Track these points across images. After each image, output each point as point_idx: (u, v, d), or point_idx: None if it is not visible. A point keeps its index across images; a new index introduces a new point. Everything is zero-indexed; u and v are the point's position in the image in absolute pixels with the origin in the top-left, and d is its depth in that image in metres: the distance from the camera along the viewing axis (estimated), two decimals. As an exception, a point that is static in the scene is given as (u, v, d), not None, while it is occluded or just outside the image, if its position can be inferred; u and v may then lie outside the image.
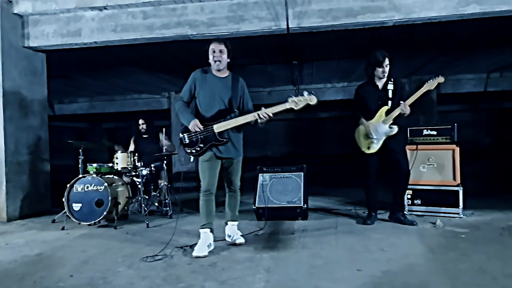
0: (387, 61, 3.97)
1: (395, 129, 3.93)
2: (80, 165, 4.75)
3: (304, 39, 7.04)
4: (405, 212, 4.39)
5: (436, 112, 11.90)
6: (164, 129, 5.68)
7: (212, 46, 3.34)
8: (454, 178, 4.28)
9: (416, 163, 4.42)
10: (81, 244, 3.69)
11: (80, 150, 4.76)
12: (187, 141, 3.36)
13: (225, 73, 3.42)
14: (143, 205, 4.70)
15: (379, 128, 3.93)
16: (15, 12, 5.13)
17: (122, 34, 5.11)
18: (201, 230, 3.26)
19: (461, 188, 4.27)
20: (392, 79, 4.05)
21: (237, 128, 3.38)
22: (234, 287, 2.46)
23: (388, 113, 3.96)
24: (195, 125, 3.27)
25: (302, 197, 4.22)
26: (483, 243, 3.23)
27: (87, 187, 4.41)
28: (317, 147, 20.30)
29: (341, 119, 19.74)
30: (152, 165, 5.06)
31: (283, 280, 2.53)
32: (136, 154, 4.87)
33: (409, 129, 4.53)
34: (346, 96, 12.47)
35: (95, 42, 5.22)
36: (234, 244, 3.40)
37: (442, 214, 4.28)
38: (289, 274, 2.63)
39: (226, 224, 3.55)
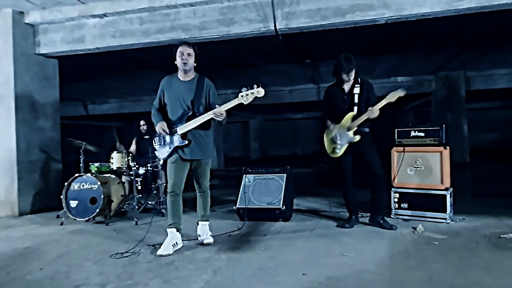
0: (352, 66, 3.87)
1: (357, 138, 3.87)
2: (81, 164, 5.06)
3: (311, 38, 7.00)
4: (391, 216, 4.30)
5: (465, 109, 11.29)
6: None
7: (181, 49, 3.43)
8: (442, 182, 4.11)
9: (403, 166, 4.29)
10: (67, 239, 3.95)
11: (81, 150, 5.07)
12: (157, 144, 3.50)
13: (191, 76, 3.50)
14: (134, 204, 4.91)
15: (343, 134, 3.90)
16: (26, 22, 5.54)
17: (121, 39, 5.37)
18: (167, 230, 3.39)
19: (449, 192, 4.09)
20: (359, 82, 3.95)
21: (203, 129, 3.44)
22: (175, 286, 2.56)
23: (354, 119, 3.88)
24: (160, 127, 3.41)
25: (282, 199, 4.23)
26: (451, 252, 3.10)
27: (83, 185, 4.70)
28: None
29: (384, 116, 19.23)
30: (149, 165, 5.26)
31: (224, 282, 2.59)
32: (130, 155, 5.09)
33: (397, 130, 4.39)
34: (368, 93, 12.16)
35: (97, 48, 5.52)
36: (202, 243, 3.50)
37: (428, 219, 4.12)
38: (232, 276, 2.69)
39: (198, 224, 3.66)
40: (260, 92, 3.22)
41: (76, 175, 4.74)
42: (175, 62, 3.47)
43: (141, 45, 5.39)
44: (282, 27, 4.87)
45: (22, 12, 5.52)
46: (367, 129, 3.97)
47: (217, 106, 3.36)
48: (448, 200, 4.04)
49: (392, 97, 3.79)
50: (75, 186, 4.72)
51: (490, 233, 3.59)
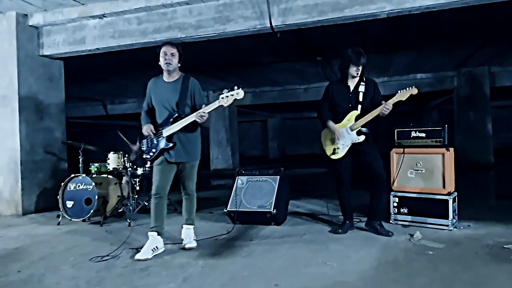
0: (362, 60, 3.64)
1: (362, 138, 3.65)
2: (80, 165, 5.09)
3: (318, 34, 6.79)
4: (390, 221, 4.06)
5: (489, 107, 10.69)
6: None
7: (164, 49, 3.35)
8: (444, 186, 3.83)
9: (403, 168, 4.03)
10: (57, 240, 3.95)
11: (80, 151, 5.09)
12: (144, 146, 3.43)
13: (175, 77, 3.42)
14: (129, 204, 4.89)
15: (346, 134, 3.67)
16: (30, 24, 5.63)
17: (120, 40, 5.36)
18: (148, 233, 3.32)
19: (452, 197, 3.81)
20: (364, 80, 3.74)
21: (189, 131, 3.36)
22: (140, 294, 2.48)
23: (357, 118, 3.66)
24: (146, 129, 3.37)
25: (273, 202, 4.08)
26: (443, 263, 2.86)
27: (78, 186, 4.72)
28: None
29: (393, 115, 18.63)
30: (147, 166, 5.23)
31: (190, 291, 2.49)
32: (126, 155, 5.07)
33: (396, 131, 4.13)
34: (386, 91, 11.70)
35: (97, 49, 5.54)
36: (184, 248, 3.41)
37: (429, 226, 3.86)
38: (201, 285, 2.57)
39: (182, 227, 3.57)
40: (239, 94, 3.12)
41: (72, 175, 4.77)
42: (159, 63, 3.39)
43: (139, 45, 5.36)
44: (278, 24, 4.70)
45: (26, 15, 5.61)
46: (366, 129, 3.75)
47: (203, 106, 3.26)
48: (451, 205, 3.76)
49: (402, 94, 3.54)
50: (71, 186, 4.75)
51: (493, 243, 3.31)
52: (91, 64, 8.02)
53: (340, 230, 3.79)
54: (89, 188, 4.65)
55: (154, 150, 3.36)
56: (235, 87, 3.13)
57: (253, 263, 3.00)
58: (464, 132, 10.84)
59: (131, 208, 4.88)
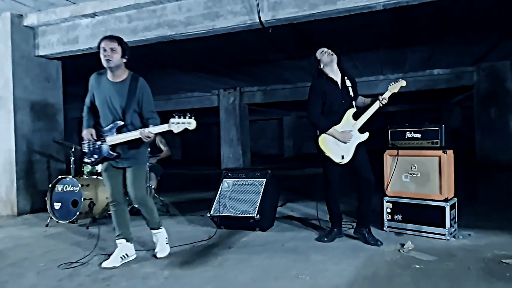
0: (329, 54, 3.44)
1: (366, 135, 3.43)
2: (71, 165, 5.03)
3: (319, 29, 6.51)
4: (383, 229, 3.77)
5: (511, 104, 10.05)
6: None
7: (102, 44, 2.98)
8: (441, 191, 3.51)
9: (397, 172, 3.74)
10: (38, 243, 3.89)
11: (71, 151, 5.03)
12: (85, 149, 3.21)
13: (122, 76, 3.06)
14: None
15: (352, 135, 3.40)
16: (25, 24, 5.61)
17: (111, 39, 5.25)
18: (116, 241, 3.18)
19: (450, 203, 3.49)
20: (346, 74, 3.49)
21: (133, 142, 3.06)
22: (89, 307, 2.33)
23: (354, 116, 3.41)
24: (86, 134, 3.12)
25: (257, 207, 3.86)
26: (428, 280, 2.57)
27: (66, 187, 4.65)
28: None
29: (411, 112, 18.02)
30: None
31: (142, 306, 2.32)
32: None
33: (390, 131, 3.83)
34: (401, 89, 11.22)
35: (90, 48, 5.46)
36: (155, 256, 3.24)
37: (424, 234, 3.55)
38: (156, 299, 2.40)
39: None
40: (191, 124, 2.82)
41: (59, 177, 4.71)
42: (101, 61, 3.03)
43: (130, 43, 5.21)
44: (268, 19, 4.47)
45: (22, 15, 5.60)
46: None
47: (149, 122, 3.01)
48: (448, 213, 3.44)
49: (394, 87, 3.46)
50: (59, 188, 4.69)
51: (491, 256, 2.98)
52: (94, 63, 8.00)
53: (325, 239, 3.54)
54: (76, 190, 4.57)
55: (96, 156, 3.12)
56: (188, 115, 2.83)
57: (221, 274, 2.80)
58: (484, 130, 10.26)
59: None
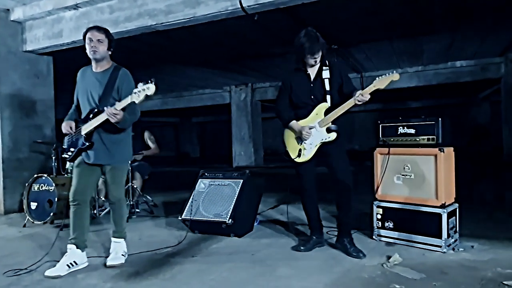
0: (317, 45, 2.91)
1: (333, 135, 2.95)
2: (53, 164, 4.84)
3: (323, 18, 6.05)
4: (373, 237, 3.31)
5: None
6: (147, 129, 5.45)
7: (89, 35, 2.89)
8: (437, 196, 3.01)
9: (389, 172, 3.26)
10: (6, 246, 3.68)
11: (57, 150, 4.84)
12: (65, 145, 3.03)
13: (104, 67, 2.97)
14: (97, 208, 4.55)
15: (314, 132, 2.98)
16: (12, 19, 5.47)
17: (94, 31, 5.01)
18: (67, 245, 2.90)
19: (447, 210, 2.98)
20: (327, 65, 3.02)
21: (113, 132, 2.88)
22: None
23: (327, 112, 2.96)
24: (65, 126, 2.96)
25: (230, 210, 3.48)
26: (404, 304, 2.12)
27: (42, 186, 4.46)
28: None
29: (437, 108, 17.02)
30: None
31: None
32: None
33: (381, 126, 3.35)
34: (420, 82, 10.53)
35: (74, 42, 5.25)
36: (105, 265, 2.93)
37: (418, 245, 3.07)
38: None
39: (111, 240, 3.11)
40: (150, 88, 2.56)
41: (35, 175, 4.52)
42: (86, 51, 2.95)
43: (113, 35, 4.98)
44: (250, 4, 4.08)
45: (8, 10, 5.46)
46: (335, 126, 3.03)
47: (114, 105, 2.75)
48: (445, 221, 2.94)
49: (381, 81, 2.78)
50: (35, 187, 4.51)
51: (492, 275, 2.48)
52: (89, 58, 7.85)
53: (302, 248, 3.12)
54: (51, 189, 4.37)
55: (72, 149, 2.93)
56: (149, 81, 2.58)
57: (168, 289, 2.46)
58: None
59: (95, 212, 4.53)
